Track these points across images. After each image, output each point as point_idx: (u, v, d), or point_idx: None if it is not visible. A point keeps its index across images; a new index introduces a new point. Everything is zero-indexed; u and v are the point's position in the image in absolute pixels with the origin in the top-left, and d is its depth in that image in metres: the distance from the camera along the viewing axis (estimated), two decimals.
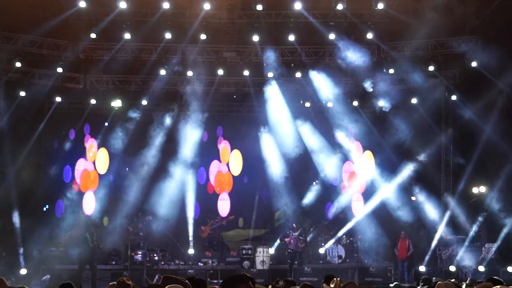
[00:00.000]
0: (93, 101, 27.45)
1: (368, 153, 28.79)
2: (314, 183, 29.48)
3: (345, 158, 28.99)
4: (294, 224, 26.51)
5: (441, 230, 26.61)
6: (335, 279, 9.52)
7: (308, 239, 26.81)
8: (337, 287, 8.79)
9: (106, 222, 27.23)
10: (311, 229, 27.63)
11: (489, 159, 25.98)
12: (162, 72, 26.66)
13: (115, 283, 9.89)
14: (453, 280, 11.85)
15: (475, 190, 27.35)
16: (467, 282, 13.59)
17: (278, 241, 26.93)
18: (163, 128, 27.46)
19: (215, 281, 24.34)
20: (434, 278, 14.28)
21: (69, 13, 24.54)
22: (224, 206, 28.81)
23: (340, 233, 27.23)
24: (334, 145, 28.85)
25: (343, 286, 8.80)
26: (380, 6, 24.84)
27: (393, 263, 26.51)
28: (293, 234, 26.17)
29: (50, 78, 26.72)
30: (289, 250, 26.12)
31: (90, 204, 27.32)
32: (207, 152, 29.10)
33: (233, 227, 29.36)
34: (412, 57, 26.75)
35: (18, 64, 25.65)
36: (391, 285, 16.56)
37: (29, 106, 26.41)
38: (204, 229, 27.54)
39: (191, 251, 26.67)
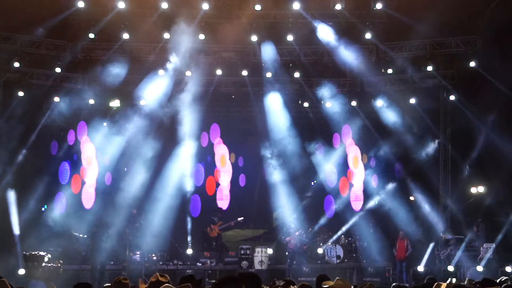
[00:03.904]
0: (91, 101, 27.41)
1: (367, 153, 28.79)
2: (312, 183, 29.49)
3: (344, 158, 29.00)
4: (292, 224, 26.66)
5: (440, 230, 26.63)
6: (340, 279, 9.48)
7: (307, 239, 26.87)
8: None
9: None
10: (309, 229, 27.62)
11: (487, 159, 26.01)
12: (161, 72, 26.61)
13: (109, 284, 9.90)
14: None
15: (473, 190, 27.38)
16: (466, 282, 13.59)
17: (281, 239, 27.05)
18: (161, 127, 27.42)
19: (214, 281, 24.29)
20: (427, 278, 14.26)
21: (68, 13, 24.55)
22: (223, 206, 28.82)
23: (338, 233, 27.23)
24: (332, 145, 28.87)
25: None
26: (379, 6, 24.88)
27: (391, 263, 26.53)
28: (294, 233, 26.30)
29: (48, 78, 26.70)
30: (290, 250, 26.24)
31: (89, 203, 27.37)
32: (205, 152, 29.12)
33: (241, 227, 29.30)
34: (410, 57, 26.77)
35: (16, 64, 25.66)
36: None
37: (27, 106, 26.40)
38: (214, 228, 27.45)
39: (189, 251, 26.69)
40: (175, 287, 7.69)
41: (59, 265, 21.90)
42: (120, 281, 8.06)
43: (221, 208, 28.64)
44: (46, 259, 22.02)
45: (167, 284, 6.85)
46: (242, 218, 28.15)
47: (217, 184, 29.45)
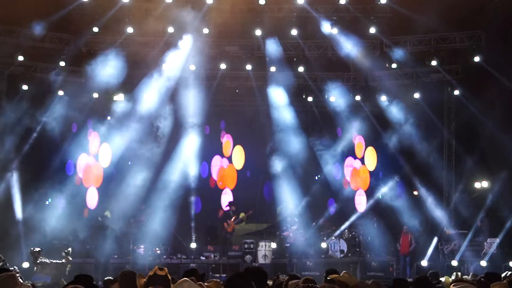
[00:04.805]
0: (95, 95, 27.41)
1: (370, 148, 28.81)
2: (316, 178, 29.49)
3: (348, 153, 29.02)
4: (295, 219, 26.69)
5: (443, 225, 26.63)
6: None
7: (308, 233, 26.86)
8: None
9: (109, 215, 27.21)
10: (313, 224, 27.62)
11: (491, 154, 26.01)
12: (165, 66, 26.58)
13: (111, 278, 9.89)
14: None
15: (477, 185, 27.37)
16: (469, 277, 13.59)
17: (280, 234, 27.09)
18: (165, 122, 27.42)
19: (217, 275, 24.41)
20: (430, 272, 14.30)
21: (72, 7, 24.55)
22: (226, 201, 28.81)
23: (342, 228, 27.23)
24: (336, 139, 28.89)
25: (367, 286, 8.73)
26: (383, 0, 24.90)
27: (395, 258, 26.54)
28: (292, 227, 26.34)
29: (52, 71, 26.69)
30: (287, 244, 26.27)
31: (93, 198, 27.41)
32: (209, 147, 29.12)
33: (252, 221, 29.28)
34: (415, 51, 26.75)
35: (20, 58, 25.68)
36: None
37: (31, 100, 26.42)
38: (230, 223, 27.40)
39: (193, 245, 26.71)
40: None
41: (63, 261, 21.89)
42: (127, 275, 7.97)
43: (232, 202, 28.47)
44: (63, 254, 22.05)
45: (185, 278, 6.83)
46: (251, 211, 28.09)
47: (221, 178, 29.45)
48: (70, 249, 22.45)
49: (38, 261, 21.58)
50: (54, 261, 21.71)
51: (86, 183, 27.72)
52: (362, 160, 29.08)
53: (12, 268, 16.83)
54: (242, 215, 27.68)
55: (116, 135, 27.18)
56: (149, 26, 25.35)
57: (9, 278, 7.99)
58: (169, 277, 7.49)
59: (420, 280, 9.88)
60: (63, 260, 21.89)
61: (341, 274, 8.90)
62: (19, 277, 10.63)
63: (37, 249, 21.97)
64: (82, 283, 8.44)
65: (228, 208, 27.69)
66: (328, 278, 9.01)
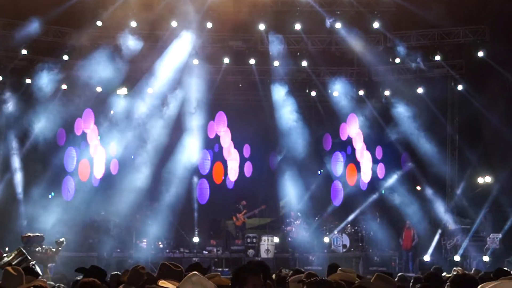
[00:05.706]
0: (98, 89, 27.39)
1: (374, 142, 28.76)
2: (319, 172, 29.48)
3: (351, 147, 29.01)
4: (298, 213, 26.70)
5: (446, 220, 26.63)
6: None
7: (311, 228, 26.89)
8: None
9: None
10: (316, 218, 27.63)
11: (495, 149, 26.00)
12: (168, 60, 26.55)
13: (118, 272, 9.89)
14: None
15: (480, 180, 27.33)
16: (472, 272, 13.58)
17: (282, 229, 27.15)
18: (168, 116, 27.42)
19: (220, 269, 24.42)
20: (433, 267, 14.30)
21: (75, 1, 24.54)
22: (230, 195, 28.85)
23: (344, 222, 27.25)
24: (339, 134, 28.89)
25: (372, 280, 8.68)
26: None
27: (397, 253, 26.56)
28: (295, 222, 26.35)
29: (56, 65, 26.68)
30: (290, 239, 26.29)
31: (95, 190, 27.42)
32: (212, 140, 29.13)
33: (263, 216, 29.30)
34: (418, 46, 26.71)
35: (24, 52, 25.70)
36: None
37: (34, 94, 26.43)
38: (239, 217, 27.44)
39: (196, 239, 26.74)
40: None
41: (38, 249, 21.41)
42: (138, 270, 8.02)
43: (246, 197, 28.43)
44: (61, 241, 21.88)
45: (194, 272, 6.84)
46: (264, 206, 28.12)
47: (225, 173, 29.45)
48: (63, 239, 22.12)
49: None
50: (37, 248, 21.51)
51: (86, 178, 27.68)
52: (365, 154, 29.02)
53: (32, 262, 16.90)
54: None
55: (119, 130, 27.18)
56: (153, 20, 25.35)
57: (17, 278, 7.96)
58: (184, 271, 7.51)
59: (431, 275, 9.90)
60: (38, 249, 21.41)
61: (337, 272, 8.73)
62: (36, 271, 10.59)
63: (28, 234, 21.98)
64: (95, 275, 8.43)
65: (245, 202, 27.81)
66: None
